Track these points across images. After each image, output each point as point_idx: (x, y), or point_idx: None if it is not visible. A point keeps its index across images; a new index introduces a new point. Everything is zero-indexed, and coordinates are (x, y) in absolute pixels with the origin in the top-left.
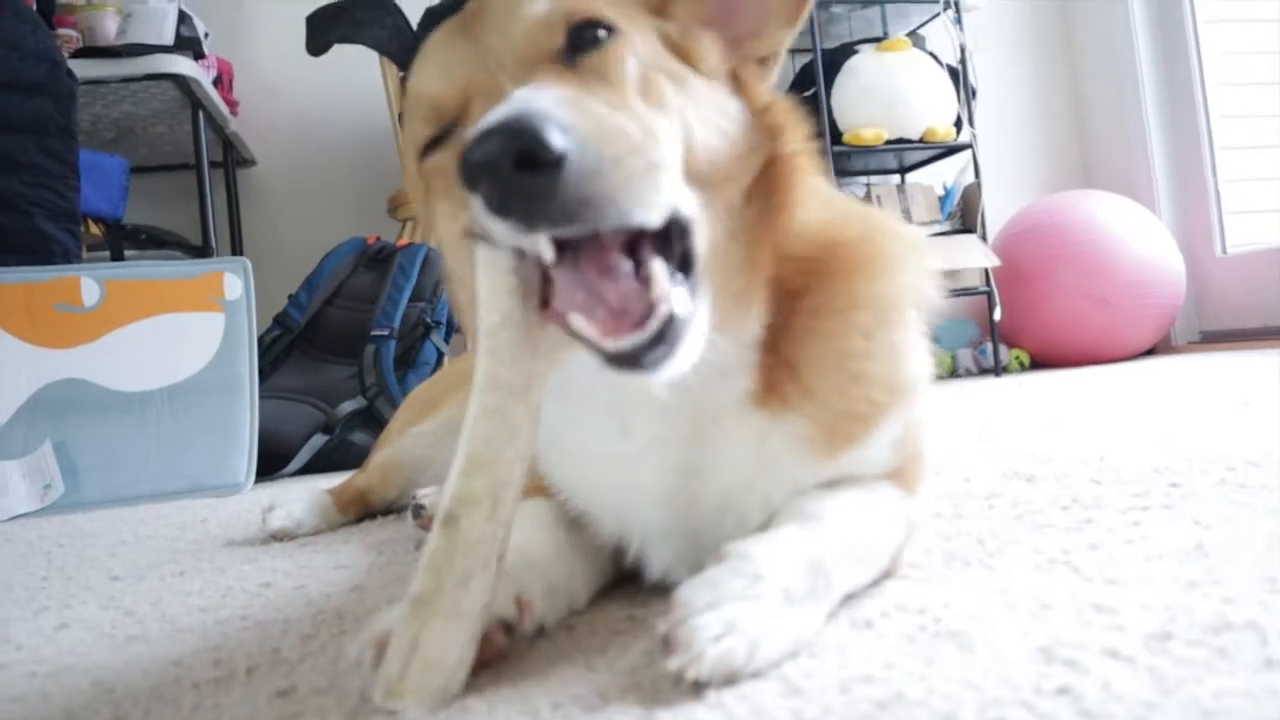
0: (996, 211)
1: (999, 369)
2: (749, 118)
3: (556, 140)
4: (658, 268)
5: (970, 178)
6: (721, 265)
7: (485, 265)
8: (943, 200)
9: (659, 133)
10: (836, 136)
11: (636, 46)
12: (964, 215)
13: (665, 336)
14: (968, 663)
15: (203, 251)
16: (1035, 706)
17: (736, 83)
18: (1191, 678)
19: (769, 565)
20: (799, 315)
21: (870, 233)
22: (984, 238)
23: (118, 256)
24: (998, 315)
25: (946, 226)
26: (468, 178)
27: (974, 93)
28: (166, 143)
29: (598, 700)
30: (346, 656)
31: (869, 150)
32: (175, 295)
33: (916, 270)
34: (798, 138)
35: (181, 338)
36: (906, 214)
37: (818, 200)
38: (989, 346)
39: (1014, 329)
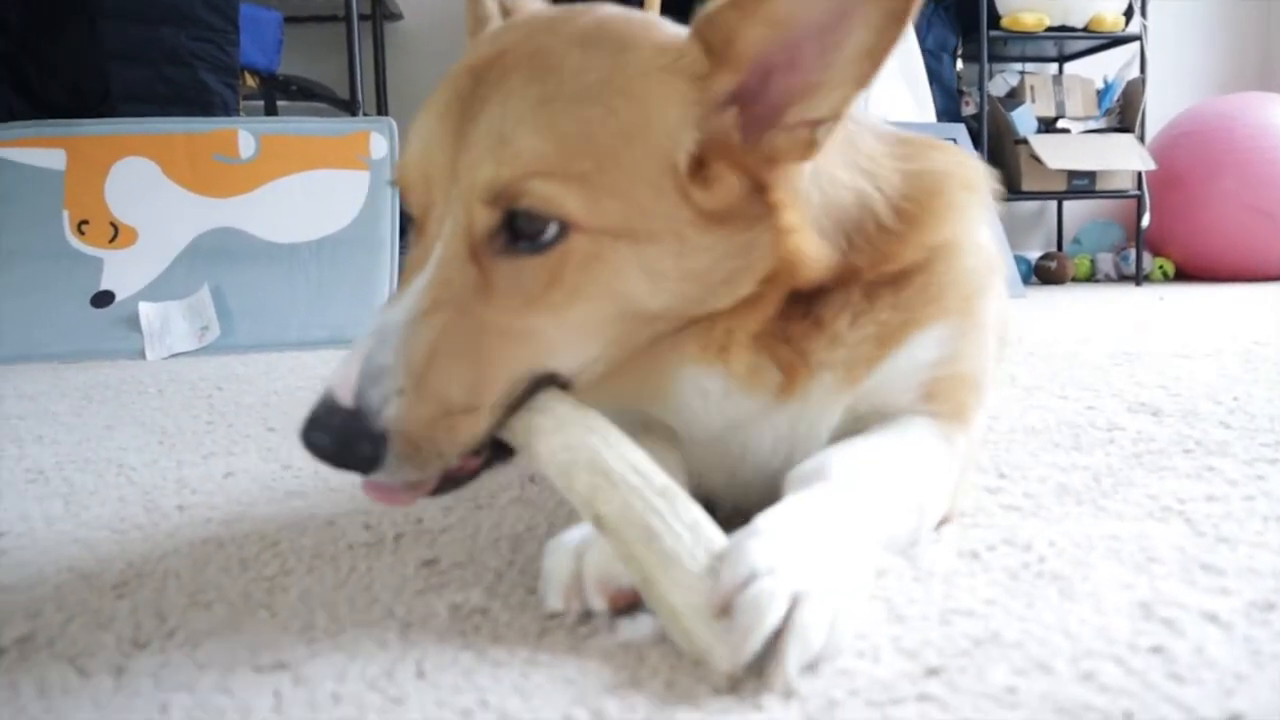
0: (1159, 110)
1: (1140, 277)
2: (744, 238)
3: (366, 452)
4: None
5: (1135, 72)
6: (725, 351)
7: None
8: (1101, 95)
9: (490, 395)
10: (994, 20)
11: (584, 242)
12: (1123, 112)
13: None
14: (1067, 609)
15: (349, 105)
16: (1127, 662)
17: (754, 196)
18: None
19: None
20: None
21: (925, 210)
22: (1142, 138)
23: (271, 108)
24: (1146, 221)
25: (1102, 123)
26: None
27: None
28: None
29: None
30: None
31: (1027, 36)
32: (324, 152)
33: (974, 216)
34: (795, 223)
35: (329, 193)
36: (1060, 106)
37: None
38: (1132, 253)
39: (1162, 237)
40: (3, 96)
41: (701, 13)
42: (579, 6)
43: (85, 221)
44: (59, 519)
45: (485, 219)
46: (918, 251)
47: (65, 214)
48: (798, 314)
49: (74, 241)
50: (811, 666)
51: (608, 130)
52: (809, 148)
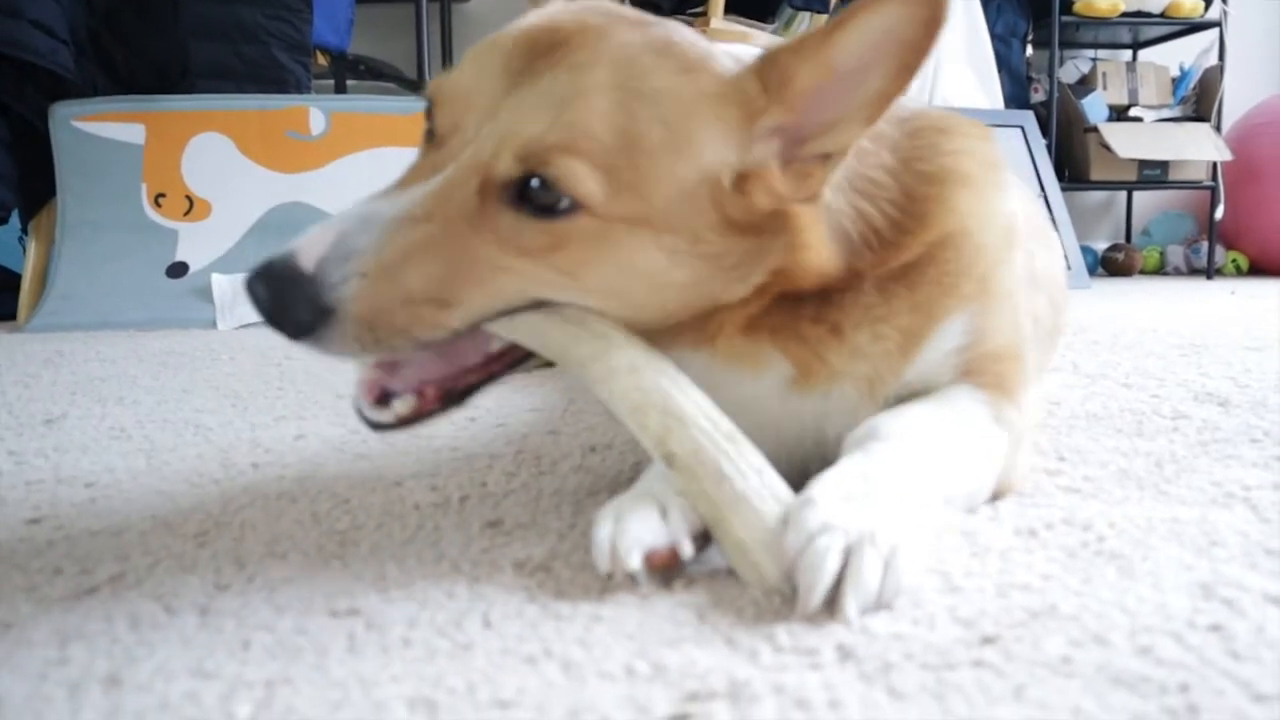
0: (1237, 100)
1: (1211, 271)
2: (758, 243)
3: (302, 317)
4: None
5: (1213, 60)
6: (722, 340)
7: None
8: (1177, 83)
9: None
10: (1066, 5)
11: (591, 224)
12: (1199, 101)
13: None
14: (1125, 587)
15: (416, 85)
16: (1185, 639)
17: (777, 213)
18: None
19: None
20: (855, 292)
21: (938, 196)
22: (1218, 128)
23: (341, 86)
24: (1219, 213)
25: (1177, 112)
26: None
27: None
28: None
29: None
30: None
31: (1101, 22)
32: (393, 129)
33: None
34: (812, 240)
35: (396, 170)
36: (1133, 94)
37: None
38: (1204, 246)
39: (1235, 230)
40: (88, 73)
41: (764, 53)
42: (641, 13)
43: (162, 194)
44: (141, 473)
45: (508, 169)
46: (917, 249)
47: (143, 187)
48: (806, 315)
49: (151, 213)
50: (882, 604)
51: (656, 137)
52: (814, 183)
